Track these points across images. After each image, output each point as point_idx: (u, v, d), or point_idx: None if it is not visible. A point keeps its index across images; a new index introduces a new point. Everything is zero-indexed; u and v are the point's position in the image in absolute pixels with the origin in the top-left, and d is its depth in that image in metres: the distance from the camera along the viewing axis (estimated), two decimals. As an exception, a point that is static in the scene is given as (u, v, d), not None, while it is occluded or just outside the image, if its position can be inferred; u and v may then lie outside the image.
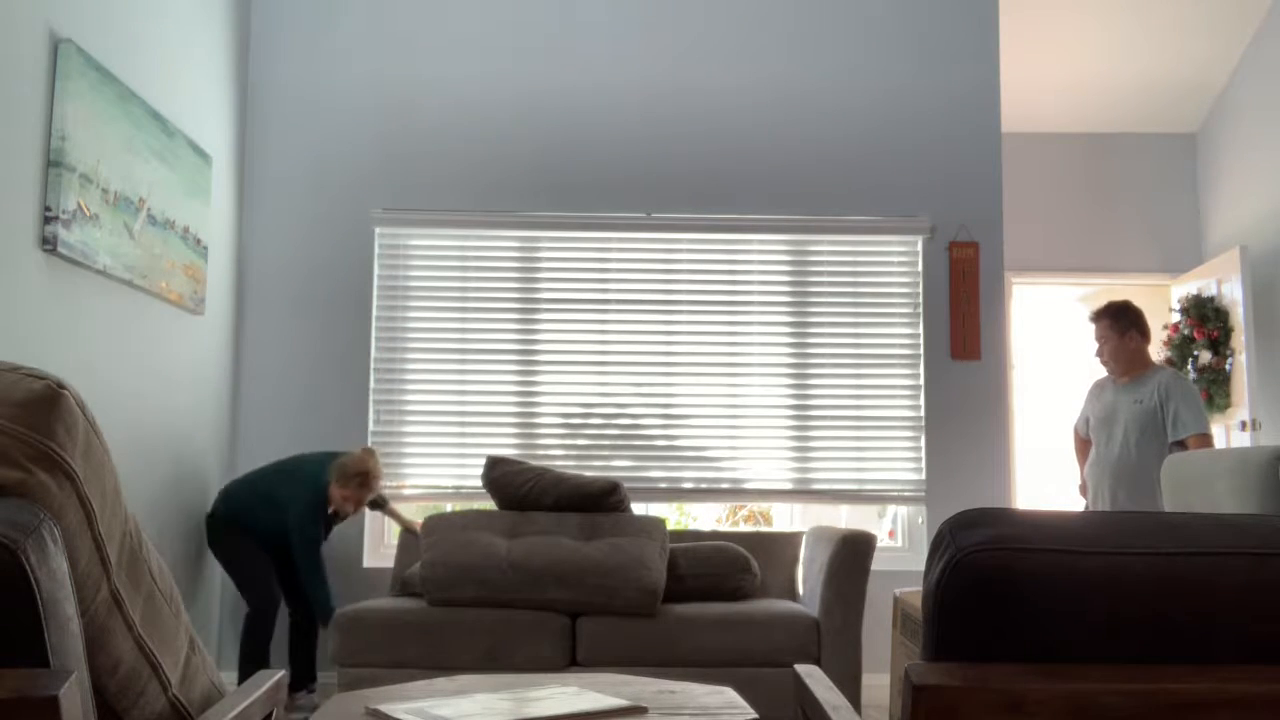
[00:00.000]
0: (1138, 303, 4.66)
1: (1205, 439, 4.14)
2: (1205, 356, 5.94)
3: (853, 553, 3.86)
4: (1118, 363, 4.48)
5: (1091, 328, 4.58)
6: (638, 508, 5.43)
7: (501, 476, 4.31)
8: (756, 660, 3.79)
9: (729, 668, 3.77)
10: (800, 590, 4.48)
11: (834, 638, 3.81)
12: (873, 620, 4.96)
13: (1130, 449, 4.37)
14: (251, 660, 4.26)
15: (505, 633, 3.79)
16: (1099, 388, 4.66)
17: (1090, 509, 4.38)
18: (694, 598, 4.13)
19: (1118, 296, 4.75)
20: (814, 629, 3.82)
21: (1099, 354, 4.54)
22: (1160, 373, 4.41)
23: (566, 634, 3.84)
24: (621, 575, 3.84)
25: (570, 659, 3.85)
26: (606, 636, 3.81)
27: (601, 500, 4.24)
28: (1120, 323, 4.45)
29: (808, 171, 5.21)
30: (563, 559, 3.88)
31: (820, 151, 5.22)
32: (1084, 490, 4.74)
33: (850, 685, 3.77)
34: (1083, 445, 4.79)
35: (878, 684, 4.87)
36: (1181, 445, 4.22)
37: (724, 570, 4.15)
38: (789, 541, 4.58)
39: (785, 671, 3.79)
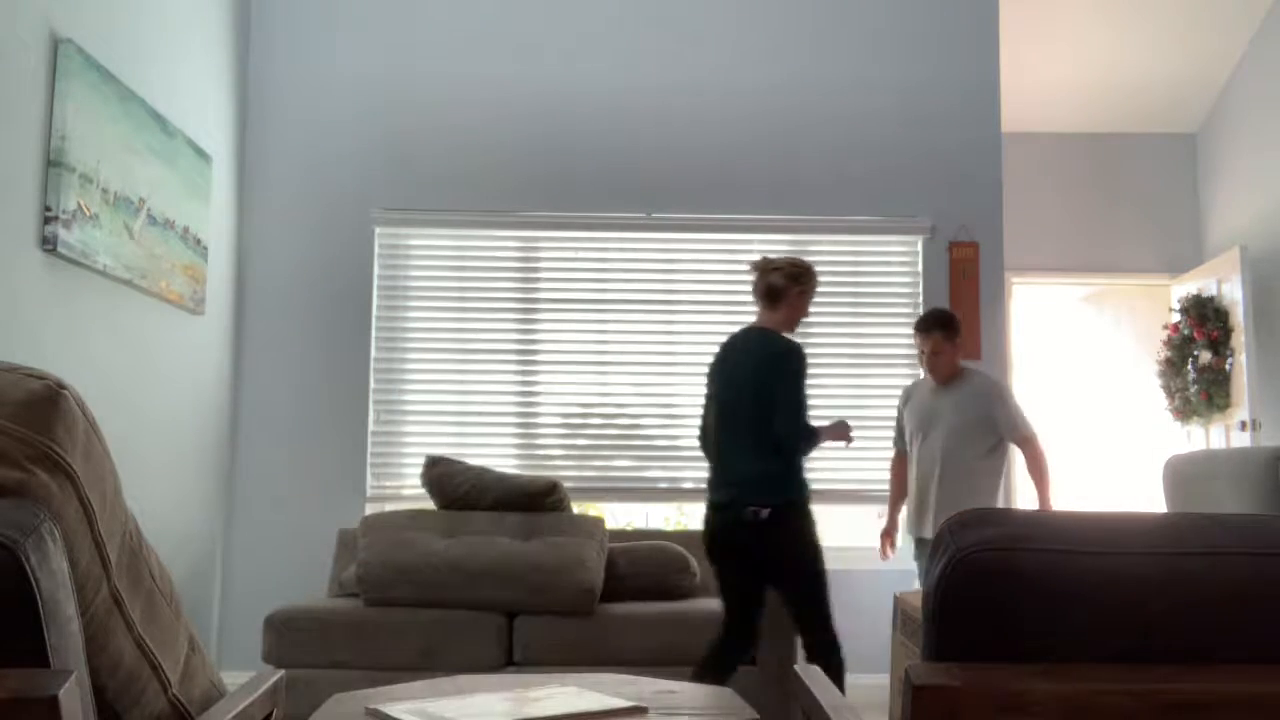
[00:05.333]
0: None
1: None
2: (1205, 356, 5.94)
3: None
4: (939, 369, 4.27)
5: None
6: (639, 507, 5.43)
7: (440, 476, 4.23)
8: (693, 659, 3.76)
9: (666, 666, 3.74)
10: None
11: (767, 636, 3.80)
12: (873, 620, 4.95)
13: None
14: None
15: (441, 633, 3.74)
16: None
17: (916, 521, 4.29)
18: (633, 597, 4.10)
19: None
20: None
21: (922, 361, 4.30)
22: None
23: (503, 634, 3.79)
24: (559, 574, 3.80)
25: (507, 659, 3.81)
26: (544, 636, 3.78)
27: (540, 500, 4.16)
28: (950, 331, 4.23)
29: (808, 171, 5.21)
30: (500, 558, 3.83)
31: (820, 151, 5.22)
32: (893, 529, 4.44)
33: (784, 683, 3.77)
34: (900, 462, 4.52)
35: (878, 684, 4.87)
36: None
37: (663, 570, 4.13)
38: None
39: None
